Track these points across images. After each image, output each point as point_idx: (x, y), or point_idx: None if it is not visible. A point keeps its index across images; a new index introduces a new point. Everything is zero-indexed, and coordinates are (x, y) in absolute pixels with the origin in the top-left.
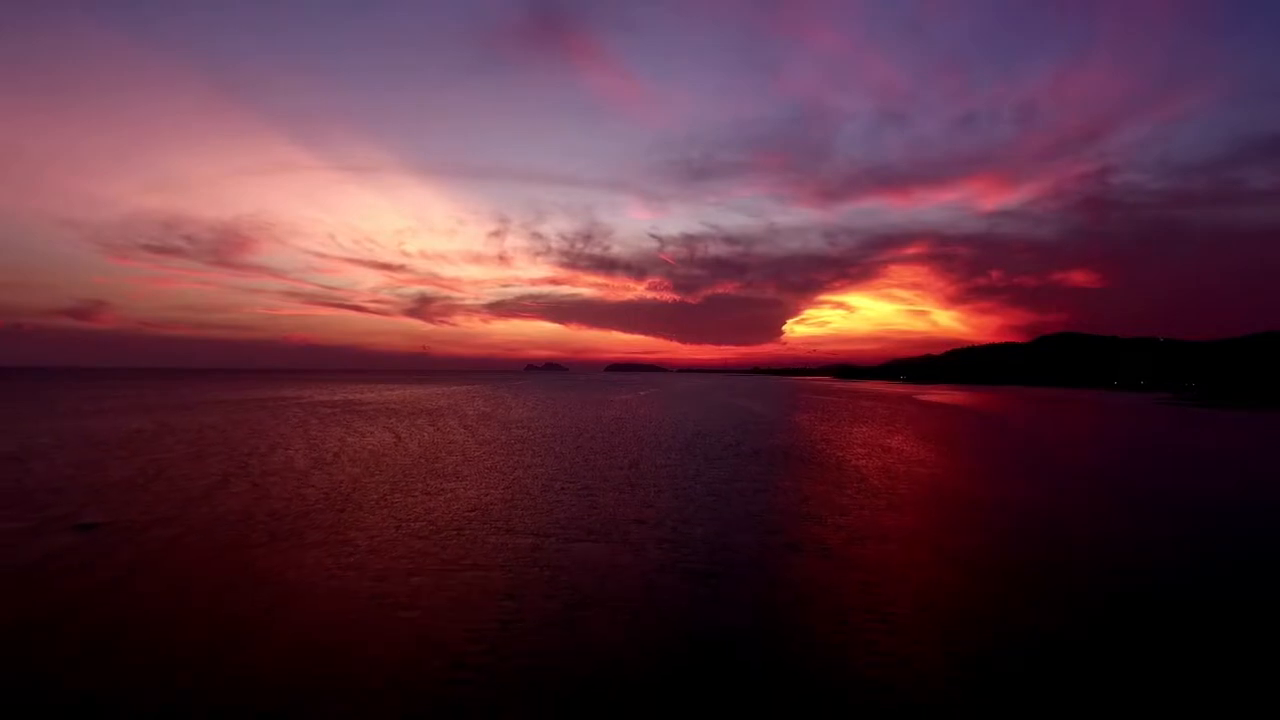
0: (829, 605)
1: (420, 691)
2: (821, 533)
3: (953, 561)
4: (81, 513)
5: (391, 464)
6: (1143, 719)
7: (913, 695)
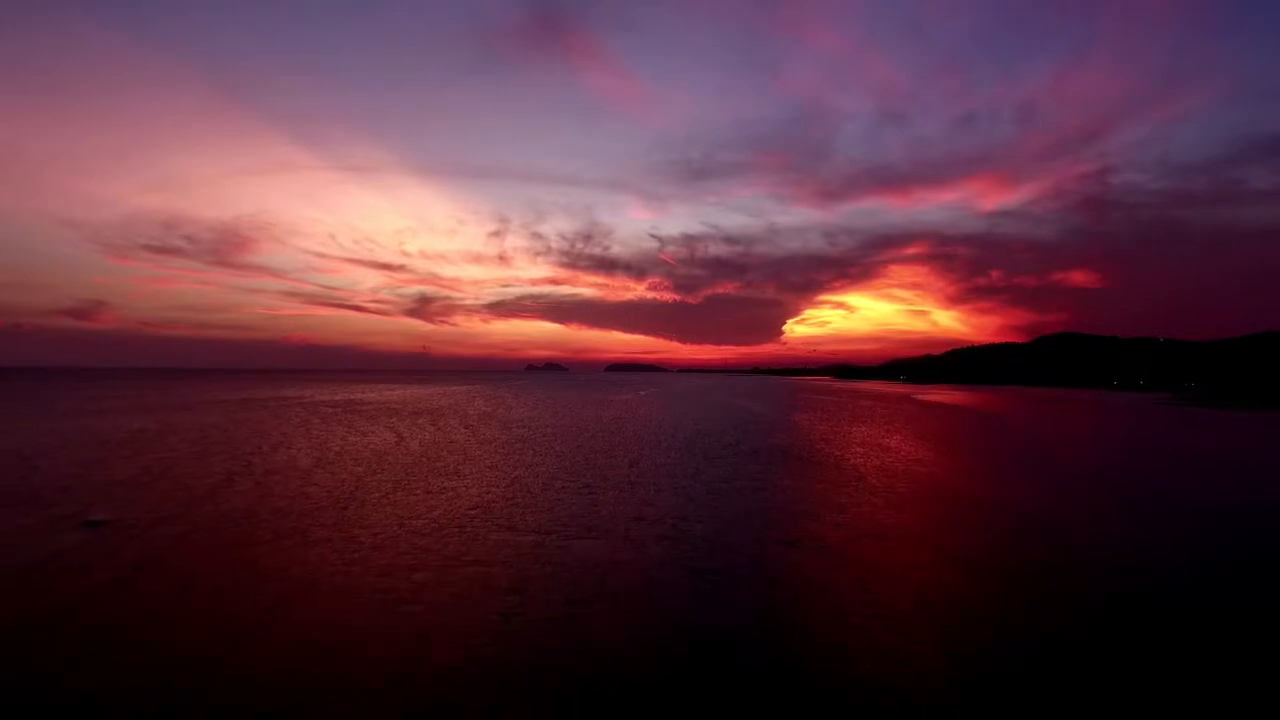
0: (828, 603)
1: (424, 683)
2: (820, 530)
3: (952, 561)
4: (88, 510)
5: (394, 463)
6: (1143, 719)
7: (913, 695)
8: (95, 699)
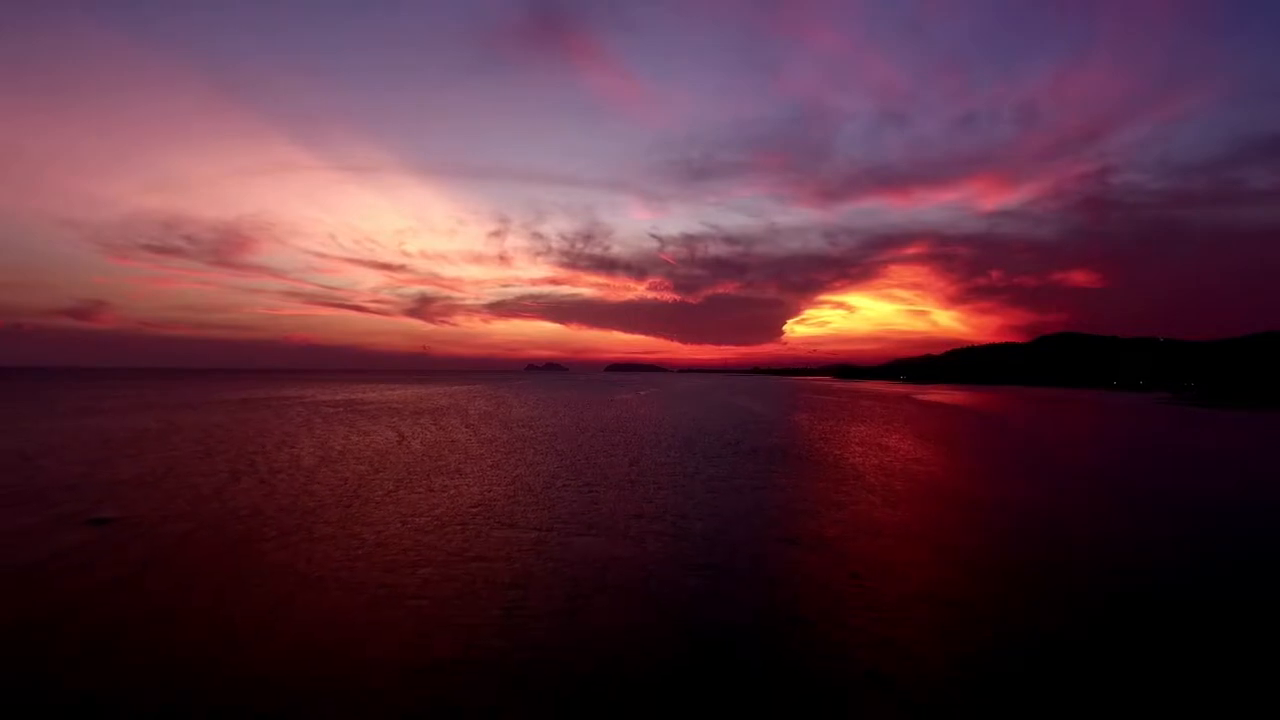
0: (827, 600)
1: (430, 677)
2: (818, 527)
3: (952, 560)
4: (95, 508)
5: (396, 462)
6: (1143, 719)
7: (913, 694)
8: (99, 693)
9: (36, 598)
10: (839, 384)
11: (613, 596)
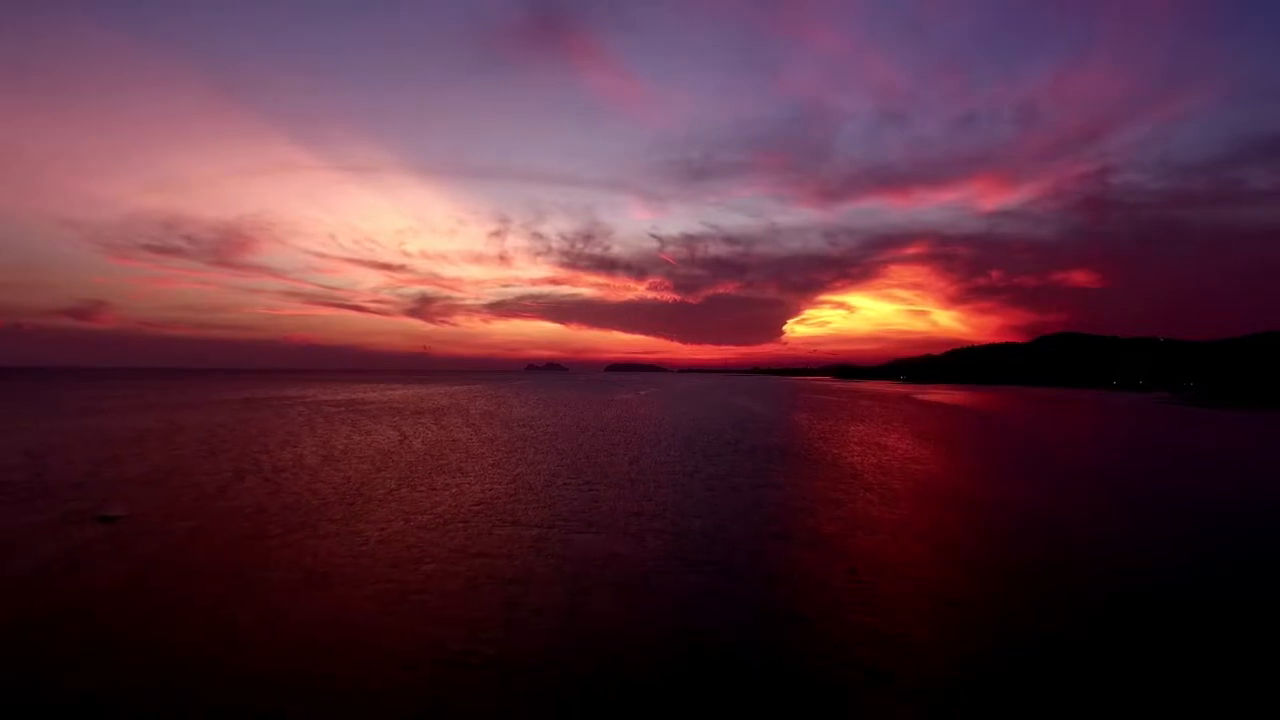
0: (826, 599)
1: (431, 672)
2: (817, 525)
3: (951, 560)
4: (103, 506)
5: (398, 460)
6: (1143, 719)
7: (913, 693)
8: (106, 690)
9: (50, 594)
10: (839, 384)
11: (613, 593)
